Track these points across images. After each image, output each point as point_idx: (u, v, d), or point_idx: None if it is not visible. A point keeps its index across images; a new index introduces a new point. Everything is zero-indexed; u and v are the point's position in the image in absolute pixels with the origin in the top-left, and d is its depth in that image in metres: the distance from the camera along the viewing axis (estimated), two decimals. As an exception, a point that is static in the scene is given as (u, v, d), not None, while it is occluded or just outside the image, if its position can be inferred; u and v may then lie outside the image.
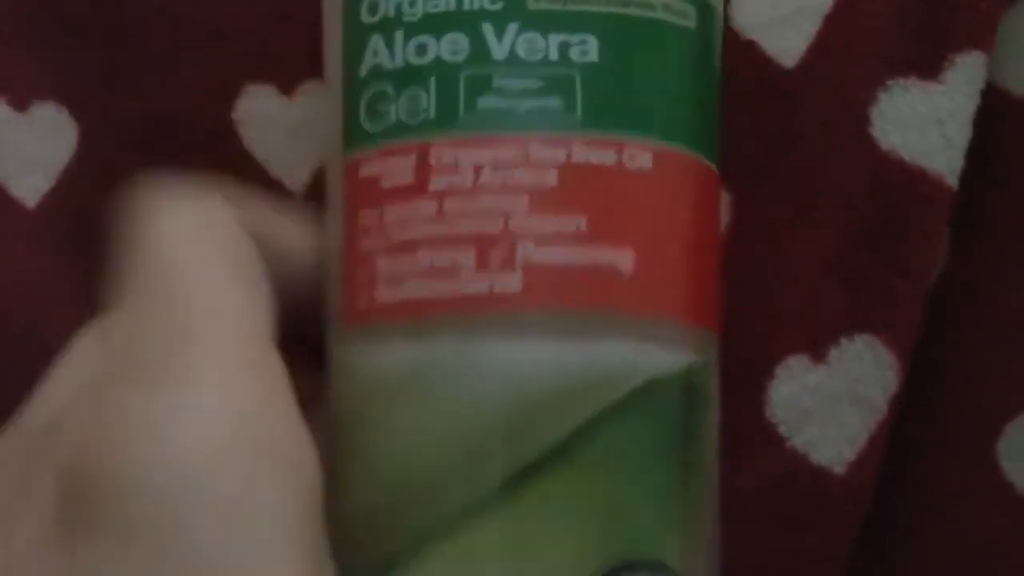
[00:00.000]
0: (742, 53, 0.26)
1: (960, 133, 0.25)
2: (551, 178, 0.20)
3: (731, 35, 0.26)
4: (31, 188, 0.27)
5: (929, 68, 0.25)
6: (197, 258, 0.20)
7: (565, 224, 0.20)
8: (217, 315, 0.19)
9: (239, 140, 0.27)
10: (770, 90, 0.26)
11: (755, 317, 0.26)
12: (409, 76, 0.20)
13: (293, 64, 0.27)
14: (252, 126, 0.27)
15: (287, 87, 0.27)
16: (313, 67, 0.26)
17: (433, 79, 0.20)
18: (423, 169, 0.20)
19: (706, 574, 0.21)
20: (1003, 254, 0.26)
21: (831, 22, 0.26)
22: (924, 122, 0.25)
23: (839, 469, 0.25)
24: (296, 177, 0.27)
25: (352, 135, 0.21)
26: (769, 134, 0.26)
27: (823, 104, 0.26)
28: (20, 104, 0.27)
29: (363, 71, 0.21)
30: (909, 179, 0.25)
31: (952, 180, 0.25)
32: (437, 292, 0.20)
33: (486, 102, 0.20)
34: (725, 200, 0.26)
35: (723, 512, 0.24)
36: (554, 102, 0.20)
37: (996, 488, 0.26)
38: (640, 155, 0.20)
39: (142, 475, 0.17)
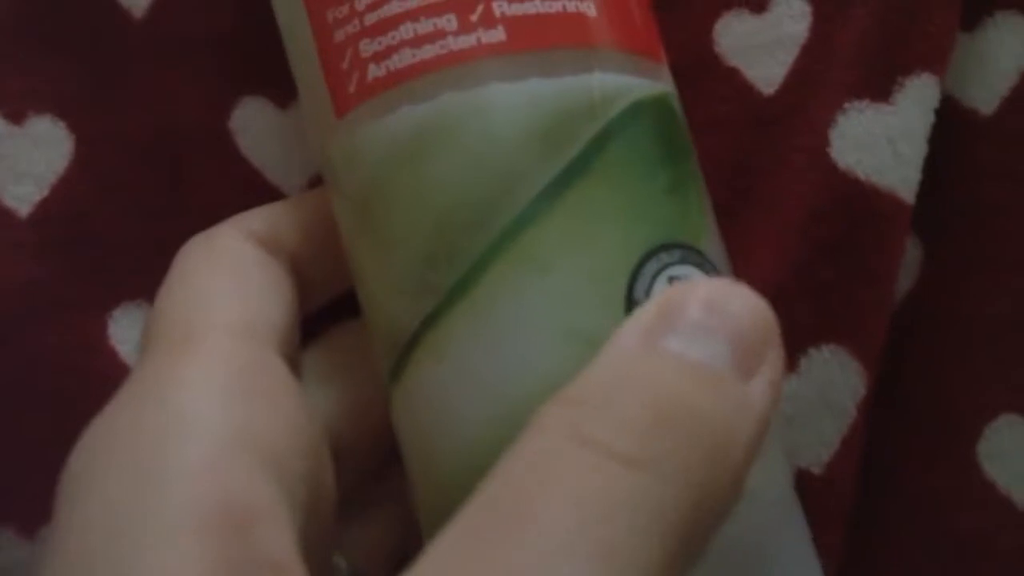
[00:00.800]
0: (725, 79, 0.27)
1: (913, 150, 0.26)
2: None
3: (715, 60, 0.27)
4: (23, 198, 0.27)
5: (881, 91, 0.26)
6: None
7: None
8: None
9: (236, 148, 0.27)
10: (750, 117, 0.27)
11: None
12: None
13: (288, 77, 0.27)
14: (248, 134, 0.27)
15: (282, 100, 0.27)
16: None
17: None
18: None
19: (722, 260, 0.22)
20: (981, 263, 0.27)
21: (807, 51, 0.27)
22: (877, 141, 0.26)
23: (817, 470, 0.26)
24: (293, 183, 0.27)
25: None
26: (748, 159, 0.27)
27: (793, 130, 0.27)
28: (16, 117, 0.27)
29: None
30: (865, 195, 0.26)
31: (906, 195, 0.26)
32: (428, 54, 0.21)
33: None
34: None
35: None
36: None
37: (978, 488, 0.26)
38: None
39: None
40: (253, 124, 0.27)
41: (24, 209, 0.27)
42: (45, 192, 0.27)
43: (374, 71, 0.21)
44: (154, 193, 0.27)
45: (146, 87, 0.27)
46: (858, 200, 0.26)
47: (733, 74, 0.27)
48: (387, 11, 0.21)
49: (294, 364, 0.22)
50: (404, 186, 0.21)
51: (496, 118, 0.21)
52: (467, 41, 0.21)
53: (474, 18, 0.21)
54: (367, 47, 0.21)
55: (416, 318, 0.21)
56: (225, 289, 0.22)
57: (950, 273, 0.27)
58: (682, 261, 0.21)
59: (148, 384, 0.20)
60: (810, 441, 0.26)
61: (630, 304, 0.20)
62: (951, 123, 0.27)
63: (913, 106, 0.26)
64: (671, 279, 0.21)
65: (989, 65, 0.27)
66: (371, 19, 0.21)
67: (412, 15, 0.21)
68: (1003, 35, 0.27)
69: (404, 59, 0.21)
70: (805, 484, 0.26)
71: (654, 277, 0.21)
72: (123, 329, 0.27)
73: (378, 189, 0.21)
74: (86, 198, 0.27)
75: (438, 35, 0.21)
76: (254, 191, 0.27)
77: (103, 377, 0.26)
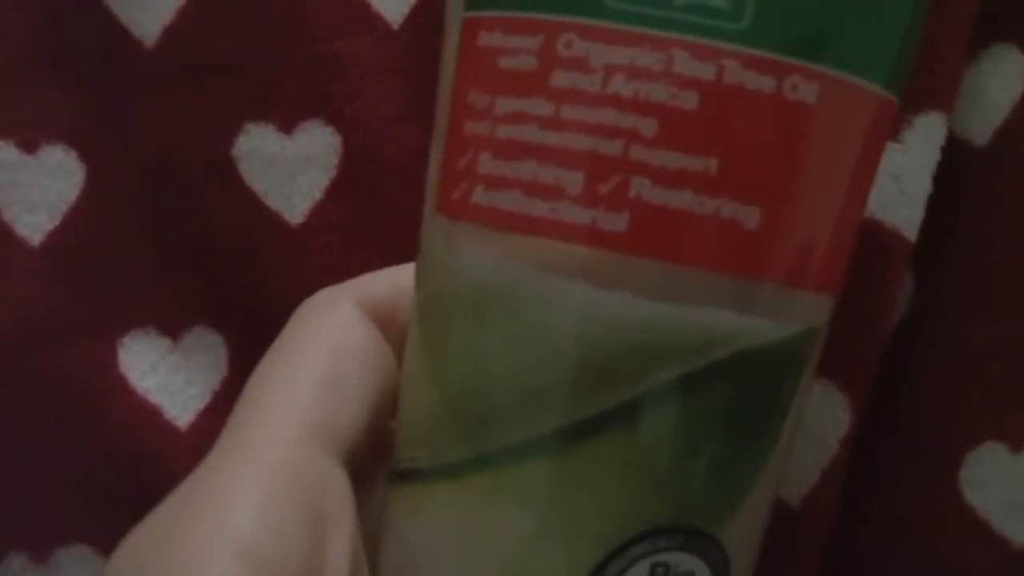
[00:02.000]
0: None
1: (918, 188, 0.26)
2: (691, 100, 0.16)
3: None
4: (36, 226, 0.27)
5: None
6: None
7: (693, 163, 0.16)
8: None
9: (238, 175, 0.27)
10: None
11: None
12: None
13: (292, 104, 0.27)
14: (251, 162, 0.27)
15: (286, 126, 0.27)
16: (313, 106, 0.27)
17: None
18: (548, 56, 0.17)
19: (752, 555, 0.19)
20: (967, 292, 0.27)
21: None
22: (882, 178, 0.26)
23: (795, 502, 0.26)
24: (295, 210, 0.27)
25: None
26: None
27: None
28: (29, 146, 0.27)
29: None
30: (870, 232, 0.26)
31: (910, 232, 0.26)
32: (534, 211, 0.17)
33: None
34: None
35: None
36: (720, 1, 0.16)
37: (959, 514, 0.27)
38: (806, 85, 0.17)
39: None
40: (256, 151, 0.27)
41: (37, 238, 0.27)
42: (57, 221, 0.27)
43: (479, 195, 0.18)
44: (161, 221, 0.27)
45: (154, 116, 0.27)
46: (862, 237, 0.26)
47: None
48: (520, 133, 0.17)
49: (364, 468, 0.21)
50: (447, 330, 0.18)
51: (559, 319, 0.17)
52: (581, 216, 0.17)
53: (603, 188, 0.17)
54: (485, 163, 0.18)
55: (414, 459, 0.19)
56: (312, 381, 0.21)
57: (936, 301, 0.27)
58: (683, 548, 0.18)
59: (193, 489, 0.20)
60: (789, 473, 0.26)
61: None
62: (944, 154, 0.27)
63: (921, 144, 0.26)
64: (655, 565, 0.18)
65: (983, 96, 0.27)
66: (502, 133, 0.18)
67: (542, 153, 0.17)
68: (997, 66, 0.27)
69: (510, 202, 0.17)
70: (782, 515, 0.26)
71: (636, 559, 0.18)
72: (132, 356, 0.27)
73: (427, 312, 0.19)
74: (96, 227, 0.27)
75: (555, 193, 0.17)
76: (256, 217, 0.27)
77: (113, 403, 0.27)
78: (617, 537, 0.18)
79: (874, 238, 0.26)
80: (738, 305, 0.17)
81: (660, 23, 0.16)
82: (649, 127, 0.16)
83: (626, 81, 0.16)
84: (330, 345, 0.21)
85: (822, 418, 0.26)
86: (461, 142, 0.18)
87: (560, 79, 0.17)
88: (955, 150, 0.27)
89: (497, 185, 0.17)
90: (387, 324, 0.22)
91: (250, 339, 0.28)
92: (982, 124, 0.27)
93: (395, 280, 0.22)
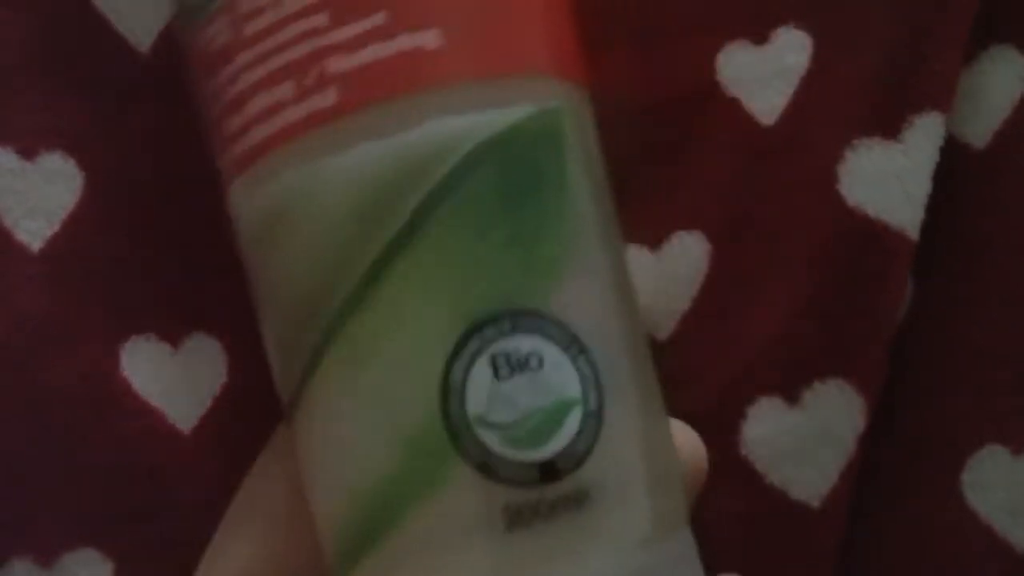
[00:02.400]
0: (725, 108, 0.27)
1: (920, 188, 0.27)
2: None
3: (716, 90, 0.28)
4: (35, 232, 0.27)
5: (891, 128, 0.27)
6: None
7: (365, 25, 0.19)
8: None
9: None
10: (750, 146, 0.27)
11: (728, 361, 0.27)
12: None
13: None
14: None
15: None
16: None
17: None
18: (236, 20, 0.20)
19: (591, 313, 0.20)
20: (969, 295, 0.27)
21: (807, 83, 0.27)
22: (886, 179, 0.27)
23: (816, 503, 0.26)
24: None
25: (183, 12, 0.22)
26: (748, 189, 0.27)
27: (797, 162, 0.27)
28: (28, 153, 0.27)
29: None
30: (874, 233, 0.26)
31: (913, 232, 0.26)
32: (270, 130, 0.20)
33: None
34: (705, 251, 0.27)
35: (706, 546, 0.25)
36: None
37: (961, 517, 0.27)
38: None
39: None
40: None
41: (36, 244, 0.27)
42: (56, 227, 0.27)
43: (234, 149, 0.21)
44: (160, 228, 0.27)
45: (150, 122, 0.27)
46: (867, 237, 0.26)
47: (733, 104, 0.27)
48: (240, 85, 0.20)
49: None
50: (261, 271, 0.21)
51: (324, 196, 0.20)
52: (301, 111, 0.20)
53: (308, 82, 0.20)
54: (230, 124, 0.21)
55: (284, 395, 0.21)
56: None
57: (936, 304, 0.27)
58: (513, 331, 0.19)
59: None
60: (809, 475, 0.26)
61: (445, 392, 0.19)
62: (943, 156, 0.27)
63: (922, 144, 0.27)
64: (495, 356, 0.19)
65: (982, 98, 0.28)
66: (230, 94, 0.21)
67: (258, 87, 0.20)
68: (997, 68, 0.28)
69: (254, 137, 0.20)
70: (801, 518, 0.26)
71: (473, 358, 0.19)
72: (135, 361, 0.27)
73: (249, 267, 0.21)
74: (96, 233, 0.27)
75: (279, 107, 0.20)
76: None
77: (117, 409, 0.27)
78: (447, 344, 0.19)
79: (881, 240, 0.26)
80: (455, 110, 0.19)
81: None
82: (323, 19, 0.20)
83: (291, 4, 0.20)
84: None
85: (840, 419, 0.26)
86: (214, 126, 0.21)
87: (248, 28, 0.20)
88: (954, 153, 0.27)
89: (241, 132, 0.20)
90: None
91: (250, 345, 0.28)
92: (981, 126, 0.28)
93: None
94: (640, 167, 0.27)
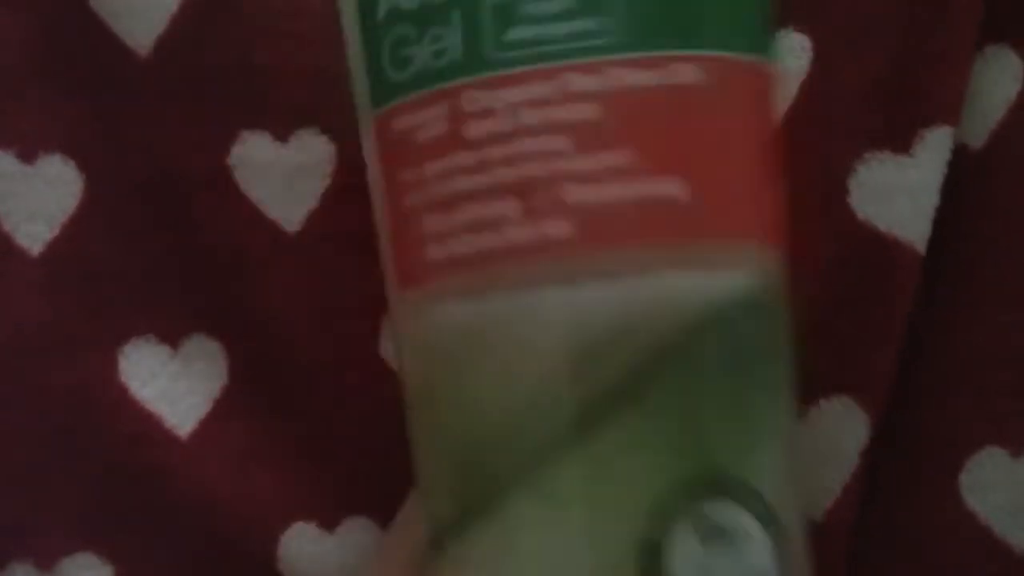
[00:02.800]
0: None
1: (928, 202, 0.26)
2: (592, 111, 0.18)
3: None
4: (35, 236, 0.27)
5: (902, 142, 0.27)
6: None
7: (611, 159, 0.18)
8: None
9: (234, 184, 0.27)
10: None
11: None
12: (430, 13, 0.19)
13: (287, 111, 0.28)
14: (246, 170, 0.27)
15: (281, 134, 0.27)
16: (307, 115, 0.27)
17: (457, 14, 0.19)
18: (457, 116, 0.19)
19: (783, 488, 0.20)
20: (967, 296, 0.27)
21: (807, 89, 0.27)
22: (897, 193, 0.26)
23: (819, 517, 0.26)
24: (292, 218, 0.27)
25: (379, 88, 0.20)
26: None
27: (803, 170, 0.27)
28: (28, 156, 0.27)
29: (380, 14, 0.20)
30: (885, 248, 0.26)
31: (921, 247, 0.26)
32: (486, 246, 0.19)
33: (517, 33, 0.18)
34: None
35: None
36: (589, 23, 0.18)
37: (959, 519, 0.27)
38: (687, 69, 0.19)
39: None
40: (252, 159, 0.27)
41: (36, 248, 0.27)
42: (56, 231, 0.27)
43: (433, 252, 0.19)
44: (159, 231, 0.27)
45: (149, 125, 0.27)
46: (876, 252, 0.26)
47: None
48: (453, 186, 0.19)
49: None
50: (443, 389, 0.19)
51: (538, 329, 0.18)
52: (528, 233, 0.18)
53: (541, 205, 0.18)
54: (430, 223, 0.19)
55: (443, 523, 0.20)
56: None
57: (934, 306, 0.27)
58: (723, 498, 0.19)
59: None
60: (812, 490, 0.26)
61: (649, 550, 0.18)
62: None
63: (932, 158, 0.26)
64: (700, 522, 0.19)
65: (978, 99, 0.27)
66: (438, 192, 0.19)
67: (477, 195, 0.19)
68: (992, 69, 0.27)
69: (462, 246, 0.19)
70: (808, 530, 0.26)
71: (680, 520, 0.19)
72: (133, 365, 0.27)
73: (422, 380, 0.20)
74: (95, 236, 0.27)
75: (500, 223, 0.19)
76: (253, 226, 0.27)
77: (115, 413, 0.27)
78: (653, 505, 0.18)
79: (890, 255, 0.26)
80: (694, 267, 0.19)
81: (544, 57, 0.19)
82: (564, 142, 0.18)
83: (531, 111, 0.19)
84: None
85: (844, 433, 0.26)
86: (403, 217, 0.20)
87: (473, 130, 0.19)
88: (952, 153, 0.27)
89: (445, 237, 0.19)
90: None
91: (250, 346, 0.28)
92: (978, 127, 0.28)
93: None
94: None
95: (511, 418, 0.19)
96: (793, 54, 0.27)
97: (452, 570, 0.20)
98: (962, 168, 0.27)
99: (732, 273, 0.19)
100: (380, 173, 0.20)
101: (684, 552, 0.19)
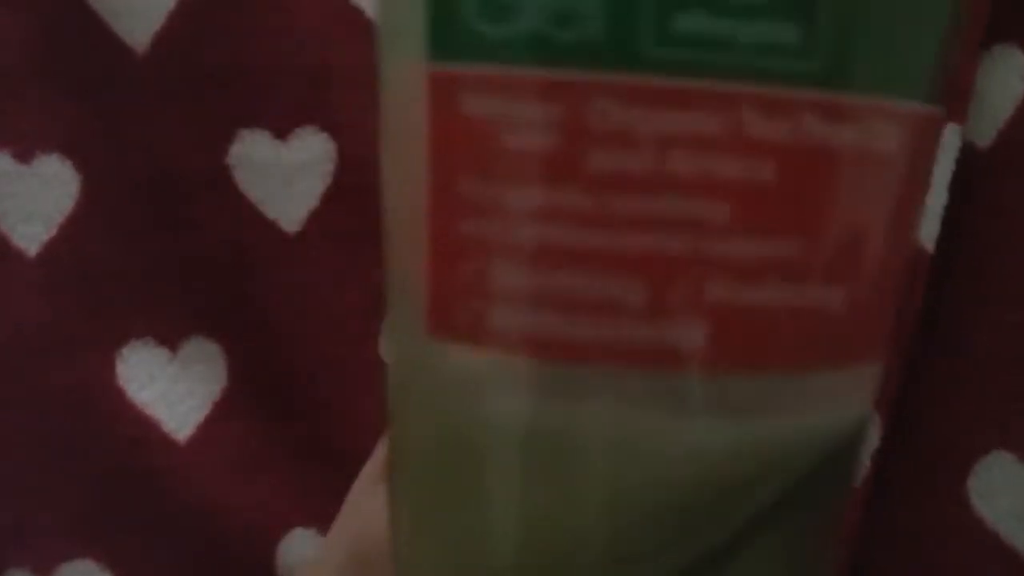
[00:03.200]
0: None
1: (936, 201, 0.26)
2: (768, 170, 0.12)
3: None
4: (32, 237, 0.27)
5: None
6: None
7: (775, 247, 0.13)
8: None
9: (233, 183, 0.27)
10: None
11: None
12: None
13: (286, 110, 0.27)
14: (246, 170, 0.27)
15: (281, 132, 0.27)
16: (307, 112, 0.27)
17: None
18: (578, 130, 0.12)
19: None
20: (974, 298, 0.27)
21: None
22: None
23: None
24: (292, 218, 0.27)
25: (450, 33, 0.13)
26: None
27: None
28: (24, 156, 0.27)
29: None
30: None
31: (930, 245, 0.26)
32: (581, 333, 0.13)
33: (687, 22, 0.12)
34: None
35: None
36: (789, 32, 0.12)
37: (967, 523, 0.27)
38: (886, 127, 0.13)
39: None
40: (250, 158, 0.27)
41: (33, 249, 0.27)
42: (53, 232, 0.27)
43: (501, 317, 0.13)
44: (157, 231, 0.27)
45: (147, 124, 0.27)
46: None
47: None
48: (548, 234, 0.13)
49: None
50: (476, 485, 0.14)
51: (636, 465, 0.13)
52: (644, 335, 0.13)
53: (674, 297, 0.12)
54: (505, 275, 0.13)
55: None
56: None
57: (942, 310, 0.27)
58: None
59: None
60: None
61: None
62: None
63: (941, 157, 0.26)
64: None
65: (985, 98, 0.27)
66: (524, 235, 0.13)
67: (583, 259, 0.12)
68: (1000, 68, 0.27)
69: (545, 326, 0.13)
70: None
71: None
72: (131, 367, 0.27)
73: (445, 472, 0.14)
74: (92, 237, 0.27)
75: (607, 311, 0.13)
76: (253, 226, 0.27)
77: (111, 418, 0.27)
78: None
79: None
80: (832, 399, 0.14)
81: (718, 71, 0.12)
82: (721, 211, 0.12)
83: (686, 155, 0.12)
84: None
85: None
86: (458, 245, 0.13)
87: (599, 161, 0.12)
88: (959, 152, 0.27)
89: (525, 303, 0.13)
90: None
91: (249, 347, 0.27)
92: (985, 126, 0.27)
93: None
94: None
95: (601, 541, 0.14)
96: None
97: None
98: (969, 167, 0.27)
99: (855, 402, 0.14)
100: (423, 157, 0.13)
101: None
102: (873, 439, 0.26)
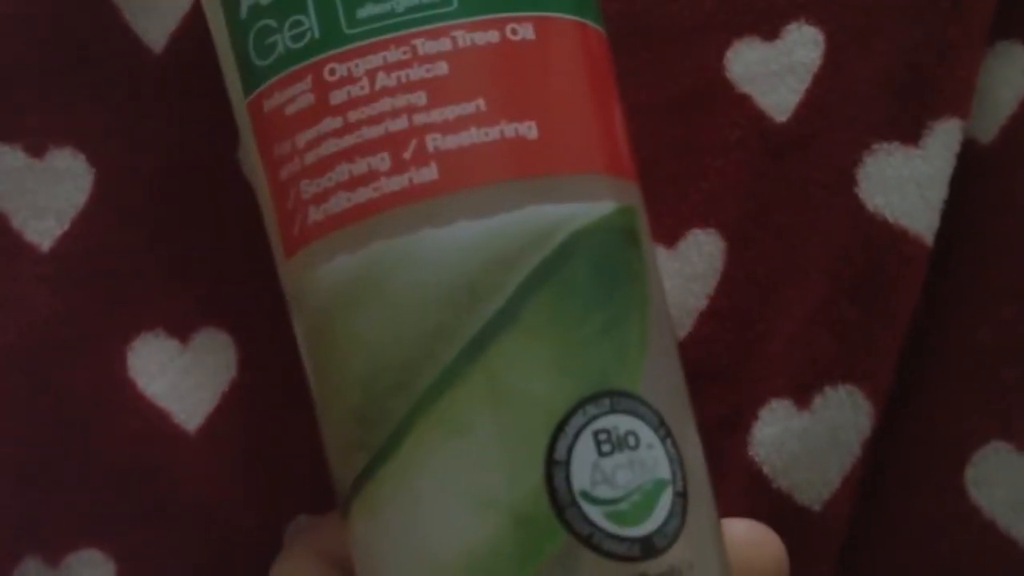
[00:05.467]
0: (737, 105, 0.27)
1: (937, 194, 0.27)
2: (443, 68, 0.20)
3: (726, 87, 0.28)
4: (45, 232, 0.27)
5: (910, 133, 0.27)
6: None
7: (465, 108, 0.20)
8: None
9: (245, 179, 0.28)
10: (763, 144, 0.27)
11: (744, 362, 0.27)
12: (287, 4, 0.21)
13: None
14: None
15: None
16: None
17: (310, 2, 0.21)
18: (320, 87, 0.21)
19: (669, 397, 0.21)
20: (972, 291, 0.27)
21: (820, 81, 0.27)
22: (905, 185, 0.27)
23: (817, 507, 0.27)
24: None
25: (248, 76, 0.22)
26: (763, 187, 0.27)
27: (812, 162, 0.27)
28: (36, 150, 0.27)
29: (243, 12, 0.22)
30: (892, 238, 0.26)
31: (929, 239, 0.26)
32: (361, 198, 0.20)
33: (365, 11, 0.21)
34: (720, 249, 0.27)
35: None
36: None
37: (965, 514, 0.27)
38: (522, 27, 0.21)
39: None
40: None
41: (46, 243, 0.27)
42: (66, 226, 0.27)
43: (313, 214, 0.21)
44: (169, 225, 0.27)
45: (161, 120, 0.28)
46: (885, 242, 0.26)
47: (744, 100, 0.27)
48: (324, 150, 0.21)
49: None
50: (338, 339, 0.21)
51: (421, 269, 0.20)
52: (399, 182, 0.20)
53: (407, 155, 0.20)
54: (307, 188, 0.21)
55: (351, 472, 0.21)
56: None
57: (942, 301, 0.27)
58: (612, 410, 0.20)
59: None
60: (812, 480, 0.27)
61: (550, 466, 0.20)
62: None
63: (940, 150, 0.27)
64: (597, 432, 0.20)
65: (988, 94, 0.27)
66: (310, 158, 0.21)
67: (347, 154, 0.21)
68: (1003, 64, 0.28)
69: (339, 203, 0.21)
70: (802, 522, 0.26)
71: (577, 434, 0.20)
72: (142, 360, 0.27)
73: (318, 338, 0.21)
74: (105, 232, 0.27)
75: (371, 177, 0.20)
76: (262, 220, 0.27)
77: (122, 410, 0.27)
78: (551, 419, 0.20)
79: (898, 246, 0.26)
80: (553, 198, 0.21)
81: (393, 28, 0.21)
82: (421, 98, 0.20)
83: (387, 75, 0.20)
84: None
85: (847, 424, 0.26)
86: (282, 189, 0.21)
87: (337, 97, 0.21)
88: (961, 148, 0.27)
89: (322, 198, 0.21)
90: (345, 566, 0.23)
91: (260, 340, 0.28)
92: (988, 122, 0.28)
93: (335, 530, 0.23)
94: (654, 165, 0.27)
95: (405, 355, 0.20)
96: (804, 47, 0.27)
97: (362, 515, 0.21)
98: (972, 162, 0.27)
99: (586, 202, 0.21)
100: (257, 155, 0.22)
101: (584, 465, 0.20)
102: (865, 426, 0.27)
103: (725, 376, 0.27)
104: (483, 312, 0.20)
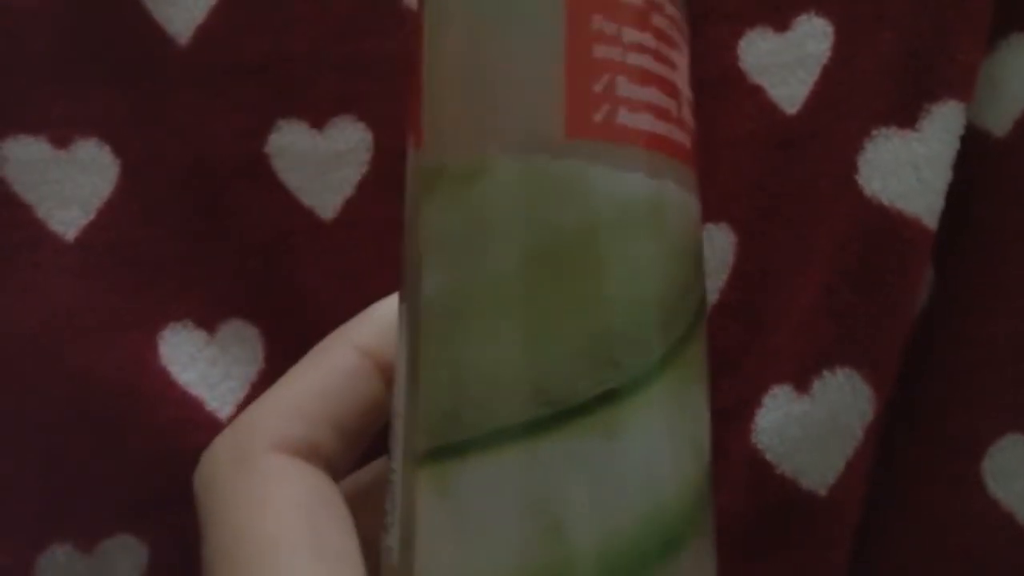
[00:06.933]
0: (749, 96, 0.28)
1: (937, 177, 0.27)
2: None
3: (740, 77, 0.28)
4: (70, 222, 0.27)
5: (907, 117, 0.27)
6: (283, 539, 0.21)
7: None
8: None
9: (271, 171, 0.28)
10: (774, 136, 0.28)
11: (751, 352, 0.27)
12: None
13: (324, 100, 0.28)
14: (284, 158, 0.28)
15: (318, 121, 0.28)
16: (344, 102, 0.28)
17: None
18: (649, 3, 0.20)
19: None
20: (987, 284, 0.28)
21: (828, 72, 0.27)
22: (902, 167, 0.27)
23: (823, 492, 0.27)
24: (328, 205, 0.28)
25: None
26: (773, 180, 0.28)
27: (819, 153, 0.27)
28: (62, 141, 0.27)
29: None
30: (889, 222, 0.27)
31: (930, 221, 0.27)
32: (665, 132, 0.20)
33: None
34: (731, 243, 0.28)
35: (721, 535, 0.26)
36: None
37: (982, 506, 0.27)
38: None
39: None
40: (288, 147, 0.28)
41: (71, 233, 0.27)
42: (91, 216, 0.27)
43: (625, 117, 0.19)
44: (194, 216, 0.28)
45: (187, 112, 0.28)
46: (883, 226, 0.27)
47: (757, 92, 0.28)
48: (645, 63, 0.19)
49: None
50: (612, 253, 0.19)
51: (690, 223, 0.20)
52: (681, 137, 0.20)
53: (678, 115, 0.20)
54: (624, 87, 0.19)
55: (590, 387, 0.19)
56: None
57: (957, 294, 0.28)
58: None
59: None
60: (816, 464, 0.27)
61: None
62: (963, 144, 0.27)
63: (938, 132, 0.27)
64: None
65: (1001, 86, 0.28)
66: (633, 61, 0.20)
67: (660, 82, 0.20)
68: (1017, 57, 0.28)
69: (650, 125, 0.20)
70: (810, 507, 0.27)
71: None
72: (173, 349, 0.28)
73: (578, 244, 0.19)
74: (130, 222, 0.28)
75: (669, 117, 0.20)
76: (290, 213, 0.28)
77: (156, 397, 0.27)
78: None
79: (895, 228, 0.27)
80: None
81: None
82: (683, 58, 0.21)
83: (667, 22, 0.20)
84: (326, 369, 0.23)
85: (848, 408, 0.27)
86: (593, 65, 0.19)
87: (658, 21, 0.20)
88: (974, 140, 0.27)
89: (636, 108, 0.19)
90: (311, 457, 0.23)
91: (285, 331, 0.28)
92: (1001, 114, 0.28)
93: (306, 419, 0.23)
94: None
95: (676, 292, 0.20)
96: (815, 38, 0.28)
97: (587, 431, 0.19)
98: (984, 155, 0.27)
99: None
100: (562, 7, 0.19)
101: None
102: (867, 411, 0.27)
103: (733, 368, 0.27)
104: (700, 287, 0.21)
